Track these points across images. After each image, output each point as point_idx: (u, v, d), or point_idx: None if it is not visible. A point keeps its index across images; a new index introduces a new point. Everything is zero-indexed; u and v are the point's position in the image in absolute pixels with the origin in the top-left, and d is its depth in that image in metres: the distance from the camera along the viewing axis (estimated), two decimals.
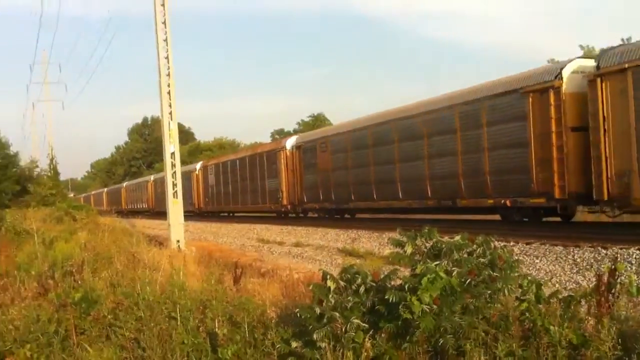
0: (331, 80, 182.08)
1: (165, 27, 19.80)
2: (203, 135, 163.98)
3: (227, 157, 44.10)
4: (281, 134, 75.73)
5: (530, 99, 17.50)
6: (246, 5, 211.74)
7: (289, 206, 32.95)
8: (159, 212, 45.55)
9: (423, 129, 21.92)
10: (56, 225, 22.17)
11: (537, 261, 13.57)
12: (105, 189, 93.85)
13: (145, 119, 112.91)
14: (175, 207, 20.13)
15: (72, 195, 78.34)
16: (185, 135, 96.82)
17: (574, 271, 12.33)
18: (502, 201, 18.54)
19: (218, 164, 43.29)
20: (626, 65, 14.63)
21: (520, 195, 17.91)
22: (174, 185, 20.23)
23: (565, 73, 16.79)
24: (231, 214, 43.34)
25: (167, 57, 19.91)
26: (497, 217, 20.78)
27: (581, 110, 16.23)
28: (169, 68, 19.93)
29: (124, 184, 78.79)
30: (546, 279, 12.10)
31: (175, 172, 20.23)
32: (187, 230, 24.35)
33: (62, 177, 70.33)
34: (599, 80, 15.37)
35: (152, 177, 62.69)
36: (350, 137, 27.09)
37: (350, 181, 26.67)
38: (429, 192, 21.61)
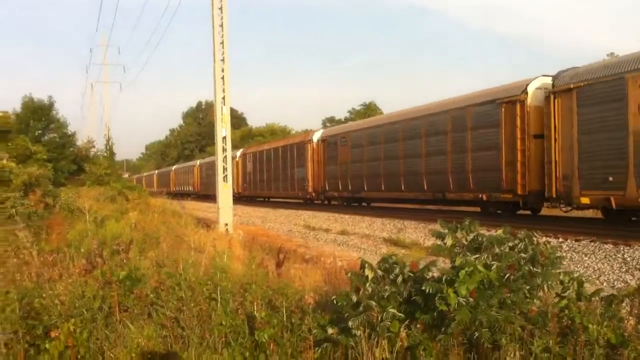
0: (383, 69, 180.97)
1: (222, 13, 19.99)
2: (255, 120, 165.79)
3: (263, 147, 46.34)
4: (332, 122, 75.71)
5: (503, 109, 20.44)
6: None
7: (313, 194, 35.85)
8: (205, 196, 48.84)
9: (422, 130, 24.99)
10: (109, 204, 22.69)
11: (586, 258, 13.31)
12: (156, 171, 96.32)
13: (199, 103, 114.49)
14: (224, 190, 20.37)
15: (126, 175, 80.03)
16: (237, 120, 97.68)
17: (623, 270, 12.06)
18: (480, 195, 21.59)
19: (255, 152, 45.80)
20: (571, 86, 17.53)
21: (494, 191, 20.92)
22: (224, 169, 20.46)
23: (530, 89, 19.60)
24: (266, 199, 45.79)
25: (222, 43, 20.10)
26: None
27: (542, 121, 19.05)
28: (223, 54, 20.12)
29: (173, 167, 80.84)
30: (594, 277, 11.92)
31: (226, 157, 20.46)
32: (235, 214, 24.64)
33: (117, 158, 71.97)
34: (552, 96, 18.29)
35: (198, 162, 64.95)
36: (366, 134, 30.06)
37: (364, 173, 29.70)
38: (425, 186, 24.76)
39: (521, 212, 21.85)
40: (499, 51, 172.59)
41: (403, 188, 26.24)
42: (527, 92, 19.54)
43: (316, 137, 35.77)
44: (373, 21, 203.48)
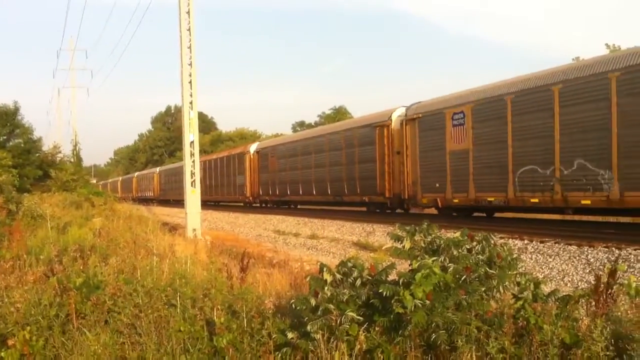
0: (354, 74, 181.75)
1: (189, 17, 19.88)
2: (226, 125, 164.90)
3: (212, 156, 52.47)
4: (302, 126, 75.78)
5: (377, 131, 26.47)
6: None
7: (250, 197, 41.46)
8: (164, 200, 54.80)
9: (326, 146, 31.35)
10: (74, 210, 22.40)
11: (550, 260, 13.47)
12: (120, 178, 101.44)
13: (168, 108, 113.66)
14: (193, 195, 20.23)
15: (94, 181, 79.26)
16: (207, 125, 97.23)
17: (587, 271, 12.23)
18: (364, 198, 27.81)
19: (206, 161, 50.04)
20: (414, 116, 23.80)
21: (373, 194, 26.92)
22: (192, 174, 20.34)
23: (394, 116, 25.60)
24: (216, 203, 49.54)
25: (189, 47, 19.99)
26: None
27: (400, 141, 24.92)
28: (190, 58, 20.01)
29: (135, 174, 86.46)
30: (558, 277, 12.08)
31: (194, 162, 20.33)
32: (205, 220, 24.52)
33: (85, 163, 71.29)
34: (405, 123, 24.50)
35: (157, 169, 71.00)
36: (288, 148, 36.26)
37: (287, 180, 35.69)
38: (329, 190, 30.83)
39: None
40: (472, 55, 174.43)
41: (314, 192, 32.46)
42: (391, 119, 25.60)
43: (253, 149, 41.72)
44: (347, 26, 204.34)
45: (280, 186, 36.35)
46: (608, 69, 15.67)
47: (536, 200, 17.80)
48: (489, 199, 19.72)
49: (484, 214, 23.17)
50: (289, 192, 35.27)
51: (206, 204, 45.90)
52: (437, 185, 22.19)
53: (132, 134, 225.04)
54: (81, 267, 7.09)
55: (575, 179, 16.54)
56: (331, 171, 30.25)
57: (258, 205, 41.25)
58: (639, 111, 14.87)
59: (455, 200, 21.43)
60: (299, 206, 37.01)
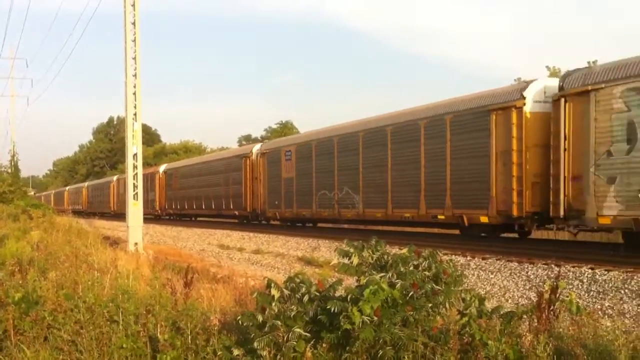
0: (300, 88, 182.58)
1: (135, 28, 19.63)
2: (170, 137, 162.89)
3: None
4: (248, 140, 75.47)
5: (243, 161, 33.56)
6: (217, 9, 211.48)
7: (159, 210, 47.23)
8: (91, 213, 56.18)
9: (212, 170, 38.23)
10: (11, 223, 21.73)
11: (492, 276, 13.71)
12: (53, 191, 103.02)
13: (110, 119, 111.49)
14: (135, 209, 19.89)
15: (32, 193, 77.50)
16: (151, 137, 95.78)
17: (527, 287, 12.48)
18: (235, 212, 34.69)
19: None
20: (264, 151, 30.94)
21: (240, 209, 33.65)
22: (135, 187, 20.00)
23: (254, 150, 32.41)
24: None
25: (134, 58, 19.73)
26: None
27: (257, 169, 32.23)
28: (135, 69, 19.74)
29: (67, 188, 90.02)
30: (500, 294, 12.29)
31: (136, 174, 20.00)
32: (147, 233, 24.11)
33: (22, 174, 69.29)
34: (259, 155, 31.80)
35: (86, 184, 76.57)
36: (187, 170, 43.50)
37: (186, 196, 42.54)
38: (213, 205, 37.71)
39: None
40: (418, 72, 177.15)
41: (203, 207, 39.36)
42: (252, 152, 33.08)
43: (162, 169, 48.10)
44: (294, 42, 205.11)
45: (181, 201, 43.23)
46: (358, 130, 24.15)
47: (325, 214, 26.12)
48: (303, 213, 27.75)
49: (307, 224, 30.38)
50: (186, 207, 42.43)
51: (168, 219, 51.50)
52: (276, 202, 29.80)
53: (73, 145, 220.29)
54: (20, 282, 6.85)
55: (344, 200, 24.34)
56: (214, 190, 37.31)
57: (167, 217, 46.93)
58: (372, 158, 22.81)
59: (287, 214, 29.25)
60: (198, 218, 43.80)
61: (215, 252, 22.57)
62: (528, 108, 16.72)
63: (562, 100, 15.33)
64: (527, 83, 17.28)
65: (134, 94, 19.71)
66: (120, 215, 50.77)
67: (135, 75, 19.72)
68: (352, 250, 5.71)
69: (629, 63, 14.21)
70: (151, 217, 45.62)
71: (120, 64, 19.56)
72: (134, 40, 19.64)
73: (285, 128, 70.78)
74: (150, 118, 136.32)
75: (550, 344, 4.82)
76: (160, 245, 25.14)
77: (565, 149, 15.30)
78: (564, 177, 15.28)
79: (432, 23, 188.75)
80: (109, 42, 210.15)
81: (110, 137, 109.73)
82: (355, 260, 5.62)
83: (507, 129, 17.02)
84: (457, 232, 21.14)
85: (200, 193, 39.62)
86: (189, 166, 43.87)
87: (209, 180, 38.21)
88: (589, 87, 14.69)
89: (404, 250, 5.76)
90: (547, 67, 37.43)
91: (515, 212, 16.77)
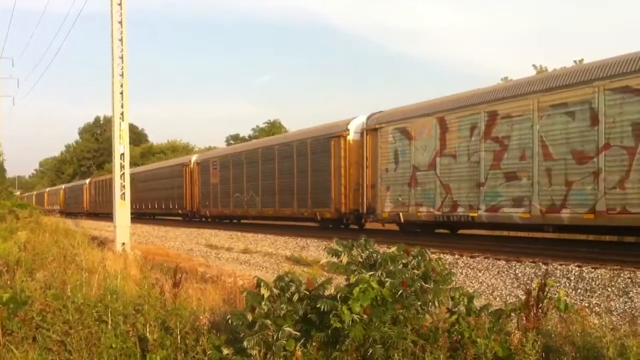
0: (288, 87, 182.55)
1: (121, 27, 19.53)
2: (157, 137, 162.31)
3: (100, 178, 63.41)
4: (236, 139, 75.37)
5: (184, 169, 40.38)
6: (203, 9, 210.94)
7: (190, 210, 50.51)
8: (68, 212, 58.21)
9: (160, 176, 45.25)
10: None
11: (480, 274, 13.76)
12: (35, 192, 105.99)
13: (97, 119, 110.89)
14: (122, 208, 19.79)
15: (18, 193, 77.39)
16: (137, 136, 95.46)
17: (515, 285, 12.54)
18: (179, 210, 41.58)
19: (97, 181, 61.33)
20: (199, 161, 38.50)
21: (182, 208, 40.98)
22: (123, 186, 19.90)
23: (192, 160, 38.44)
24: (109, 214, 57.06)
25: (121, 57, 19.63)
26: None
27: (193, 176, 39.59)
28: (122, 68, 19.64)
29: (47, 189, 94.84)
30: (488, 292, 12.34)
31: (124, 174, 19.91)
32: (134, 233, 23.99)
33: (8, 174, 69.00)
34: (196, 164, 38.34)
35: (63, 186, 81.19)
36: (144, 175, 49.09)
37: (143, 197, 47.33)
38: (163, 204, 43.89)
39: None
40: (404, 71, 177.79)
41: (156, 207, 45.79)
42: (190, 161, 39.76)
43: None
44: (282, 40, 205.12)
45: (140, 202, 46.89)
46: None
47: (239, 212, 33.20)
48: (224, 211, 34.64)
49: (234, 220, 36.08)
50: (143, 207, 47.54)
51: (98, 215, 57.33)
52: (207, 203, 36.72)
53: (59, 145, 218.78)
54: (8, 282, 6.81)
55: (250, 201, 31.24)
56: (164, 193, 43.51)
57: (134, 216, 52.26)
58: (267, 169, 29.52)
59: (214, 212, 36.22)
60: (156, 217, 49.39)
61: (203, 251, 22.51)
62: (350, 137, 23.70)
63: (365, 133, 22.68)
64: (351, 119, 24.14)
65: (121, 93, 19.62)
66: (92, 214, 56.81)
67: (122, 75, 19.63)
68: (341, 249, 5.71)
69: (396, 111, 21.98)
70: (195, 220, 48.55)
71: (107, 63, 19.47)
72: (121, 40, 19.55)
73: (274, 127, 70.75)
74: (138, 118, 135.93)
75: (539, 341, 4.85)
76: (148, 245, 25.05)
77: (367, 166, 22.42)
78: (366, 185, 22.41)
79: (418, 22, 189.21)
80: (96, 42, 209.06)
81: (96, 136, 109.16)
82: (345, 259, 5.62)
83: (339, 151, 23.95)
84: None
85: (154, 195, 46.08)
86: (146, 172, 50.27)
87: (160, 184, 44.81)
88: (377, 126, 22.14)
89: (393, 249, 5.77)
90: (533, 65, 37.64)
91: (343, 210, 23.75)
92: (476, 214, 17.76)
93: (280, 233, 25.48)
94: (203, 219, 38.33)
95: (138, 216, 47.25)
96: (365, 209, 22.30)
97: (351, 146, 23.42)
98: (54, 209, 70.87)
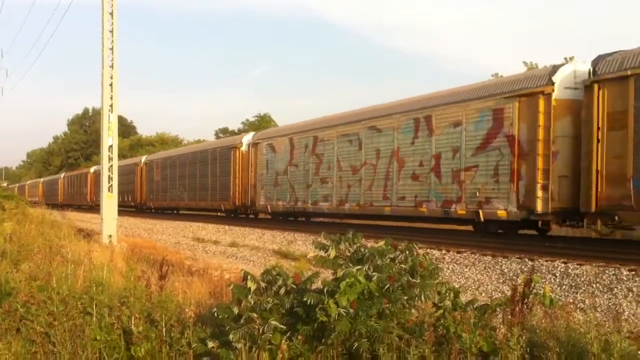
0: (278, 81, 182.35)
1: (112, 18, 19.37)
2: (146, 129, 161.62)
3: (72, 173, 69.51)
4: (225, 133, 75.15)
5: (231, 153, 39.77)
6: (196, 1, 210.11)
7: (90, 202, 56.23)
8: (47, 204, 58.72)
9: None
10: None
11: (467, 270, 13.80)
12: (17, 185, 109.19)
13: (86, 110, 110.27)
14: (109, 201, 19.68)
15: (5, 184, 77.20)
16: (127, 128, 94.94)
17: (501, 281, 12.58)
18: (131, 202, 47.01)
19: (69, 175, 67.97)
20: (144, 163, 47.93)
21: (133, 201, 46.71)
22: (110, 178, 19.80)
23: (245, 140, 33.09)
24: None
25: (111, 49, 19.48)
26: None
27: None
28: (112, 60, 19.49)
29: (28, 182, 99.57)
30: (474, 287, 12.37)
31: (112, 166, 19.80)
32: (121, 226, 23.91)
33: None
34: (145, 165, 46.48)
35: (42, 180, 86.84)
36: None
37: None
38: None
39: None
40: (396, 66, 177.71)
41: (120, 199, 48.53)
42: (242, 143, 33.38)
43: (92, 170, 57.39)
44: (274, 34, 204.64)
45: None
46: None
47: (173, 204, 41.62)
48: (163, 203, 42.65)
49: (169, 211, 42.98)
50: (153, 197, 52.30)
51: (71, 206, 58.93)
52: (151, 197, 44.15)
53: (47, 136, 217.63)
54: None
55: (180, 195, 39.18)
56: (123, 187, 41.88)
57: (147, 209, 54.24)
58: (190, 171, 37.67)
59: (157, 204, 43.48)
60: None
61: (190, 244, 22.44)
62: (243, 148, 31.40)
63: (251, 146, 30.34)
64: (244, 135, 32.81)
65: (111, 85, 19.49)
66: (66, 205, 58.96)
67: (112, 66, 19.49)
68: (329, 243, 5.71)
69: (269, 131, 32.90)
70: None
71: (97, 54, 19.33)
72: (112, 31, 19.40)
73: (263, 121, 70.51)
74: (127, 109, 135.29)
75: (524, 336, 4.88)
76: (135, 237, 24.93)
77: (251, 171, 30.10)
78: (250, 185, 29.85)
79: (412, 18, 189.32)
80: (86, 33, 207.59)
81: (85, 128, 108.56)
82: (332, 253, 5.62)
83: (235, 159, 31.69)
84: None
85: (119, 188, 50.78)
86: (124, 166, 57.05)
87: (121, 179, 47.14)
88: (257, 141, 30.06)
89: (381, 243, 5.77)
90: (524, 62, 37.81)
91: (237, 203, 31.46)
92: (306, 206, 25.71)
93: (268, 227, 25.47)
94: (150, 210, 45.26)
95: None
96: (249, 203, 30.60)
97: (243, 155, 31.38)
98: (34, 200, 73.41)
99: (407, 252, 5.77)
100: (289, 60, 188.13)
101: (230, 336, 4.97)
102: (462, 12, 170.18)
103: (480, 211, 17.43)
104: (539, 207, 15.68)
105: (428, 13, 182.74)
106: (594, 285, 11.20)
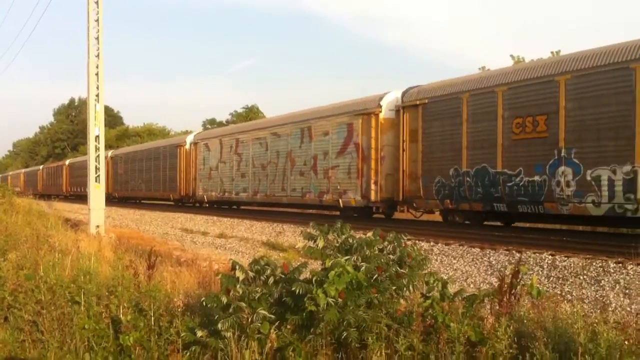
0: (266, 73, 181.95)
1: (98, 7, 19.25)
2: (133, 120, 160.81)
3: (51, 165, 75.33)
4: (213, 124, 74.96)
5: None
6: None
7: (65, 192, 60.98)
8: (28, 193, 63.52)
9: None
10: None
11: (455, 261, 13.84)
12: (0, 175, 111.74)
13: (72, 100, 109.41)
14: (96, 191, 19.60)
15: None
16: (113, 119, 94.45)
17: (489, 272, 12.63)
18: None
19: (49, 167, 73.71)
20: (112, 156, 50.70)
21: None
22: (97, 169, 19.71)
23: (188, 139, 37.98)
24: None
25: (97, 38, 19.36)
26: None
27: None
28: (98, 49, 19.38)
29: (10, 173, 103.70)
30: (462, 279, 12.42)
31: (98, 156, 19.71)
32: (109, 217, 23.81)
33: None
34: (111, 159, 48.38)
35: (23, 170, 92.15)
36: (79, 165, 55.06)
37: (80, 183, 53.45)
38: (151, 188, 42.73)
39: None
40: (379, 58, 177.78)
41: (144, 189, 49.10)
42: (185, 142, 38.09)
43: (67, 162, 63.89)
44: (258, 26, 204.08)
45: (77, 186, 54.93)
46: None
47: (133, 194, 46.37)
48: (126, 194, 46.75)
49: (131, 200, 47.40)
50: (79, 190, 53.36)
51: (49, 196, 60.13)
52: (117, 187, 48.13)
53: (33, 126, 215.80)
54: None
55: (139, 185, 43.61)
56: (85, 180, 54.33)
57: (72, 197, 58.09)
58: (146, 166, 42.16)
59: (120, 194, 47.51)
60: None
61: (178, 235, 22.38)
62: (187, 147, 36.45)
63: (192, 144, 35.74)
64: (188, 134, 39.48)
65: (97, 74, 19.38)
66: (45, 195, 61.70)
67: (97, 56, 19.37)
68: (317, 233, 5.71)
69: (206, 133, 37.78)
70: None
71: (83, 44, 19.19)
72: (97, 20, 19.27)
73: (251, 112, 70.39)
74: (114, 100, 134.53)
75: (512, 326, 4.90)
76: (123, 228, 24.85)
77: (192, 166, 35.49)
78: (192, 178, 35.59)
79: (396, 11, 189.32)
80: (72, 22, 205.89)
81: (71, 118, 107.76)
82: (321, 243, 5.63)
83: (180, 155, 36.89)
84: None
85: (84, 180, 53.26)
86: (81, 161, 57.34)
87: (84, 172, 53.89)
88: (197, 141, 35.70)
89: (369, 234, 5.78)
90: (511, 56, 37.80)
91: (183, 193, 36.53)
92: (231, 196, 30.99)
93: (257, 218, 25.45)
94: (115, 199, 48.10)
95: (77, 197, 55.94)
96: (192, 193, 35.61)
97: (187, 153, 36.43)
98: (17, 190, 73.51)
99: (395, 242, 5.79)
100: (277, 53, 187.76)
101: (219, 325, 4.97)
102: (449, 5, 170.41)
103: (340, 200, 22.50)
104: (373, 197, 21.04)
105: (414, 6, 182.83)
106: (581, 277, 11.27)
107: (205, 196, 33.70)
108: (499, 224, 19.64)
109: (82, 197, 53.85)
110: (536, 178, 15.72)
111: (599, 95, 14.25)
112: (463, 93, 18.06)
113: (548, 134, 15.40)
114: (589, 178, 14.37)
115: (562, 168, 15.05)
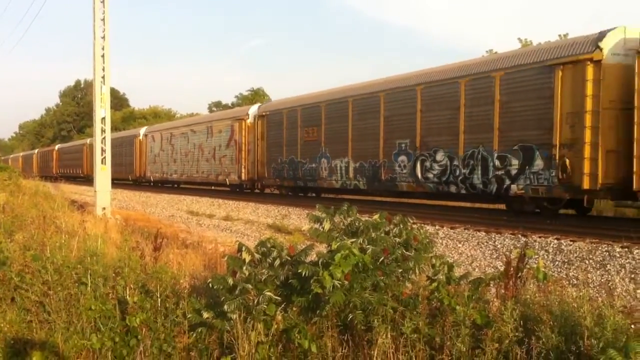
0: (272, 55, 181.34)
1: None
2: (139, 102, 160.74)
3: (45, 149, 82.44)
4: (219, 106, 74.89)
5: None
6: None
7: (55, 174, 62.67)
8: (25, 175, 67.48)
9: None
10: None
11: (460, 245, 13.85)
12: (2, 157, 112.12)
13: (78, 82, 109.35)
14: (102, 173, 19.62)
15: None
16: (119, 101, 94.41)
17: (494, 256, 12.64)
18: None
19: (43, 151, 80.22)
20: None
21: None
22: (103, 151, 19.72)
23: (142, 132, 48.57)
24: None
25: (103, 19, 19.28)
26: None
27: None
28: (104, 31, 19.31)
29: (11, 156, 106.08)
30: (467, 262, 12.43)
31: (104, 138, 19.71)
32: (115, 199, 23.88)
33: None
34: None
35: (21, 154, 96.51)
36: (69, 149, 66.51)
37: (69, 165, 64.31)
38: (116, 170, 43.00)
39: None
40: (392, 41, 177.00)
41: (71, 171, 60.99)
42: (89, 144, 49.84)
43: (56, 147, 71.71)
44: (264, 8, 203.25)
45: (66, 168, 63.27)
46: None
47: (125, 176, 46.97)
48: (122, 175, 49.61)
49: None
50: (67, 171, 61.04)
51: (44, 177, 62.52)
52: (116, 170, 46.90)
53: (39, 108, 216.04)
54: None
55: (129, 169, 47.10)
56: (77, 162, 61.21)
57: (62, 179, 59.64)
58: (123, 150, 48.15)
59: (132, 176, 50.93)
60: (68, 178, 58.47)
61: (184, 218, 22.45)
62: (140, 137, 45.65)
63: (144, 135, 45.90)
64: (141, 128, 48.76)
65: (103, 56, 19.33)
66: (43, 176, 64.10)
67: (103, 37, 19.31)
68: (323, 215, 5.71)
69: (154, 127, 48.68)
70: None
71: (89, 25, 19.13)
72: (103, 2, 19.21)
73: (257, 95, 70.22)
74: (120, 82, 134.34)
75: (517, 310, 4.90)
76: (129, 210, 24.93)
77: (144, 154, 44.80)
78: (143, 162, 45.20)
79: None
80: (78, 3, 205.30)
81: (77, 100, 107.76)
82: (327, 225, 5.62)
83: (136, 145, 46.01)
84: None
85: (72, 163, 62.83)
86: (69, 147, 67.91)
87: (73, 156, 62.77)
88: (147, 133, 45.57)
89: (375, 216, 5.77)
90: (519, 39, 37.59)
91: (137, 175, 45.47)
92: (167, 177, 40.33)
93: (262, 201, 25.49)
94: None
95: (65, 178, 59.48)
96: (143, 174, 44.49)
97: (140, 142, 45.36)
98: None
99: (401, 225, 5.78)
100: (283, 35, 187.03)
101: (225, 307, 4.98)
102: None
103: (227, 179, 31.82)
104: (244, 177, 30.38)
105: None
106: (587, 262, 11.27)
107: (151, 177, 43.53)
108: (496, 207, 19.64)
109: (68, 178, 57.56)
110: (313, 165, 25.13)
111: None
112: (284, 109, 27.56)
113: (317, 138, 24.99)
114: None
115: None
